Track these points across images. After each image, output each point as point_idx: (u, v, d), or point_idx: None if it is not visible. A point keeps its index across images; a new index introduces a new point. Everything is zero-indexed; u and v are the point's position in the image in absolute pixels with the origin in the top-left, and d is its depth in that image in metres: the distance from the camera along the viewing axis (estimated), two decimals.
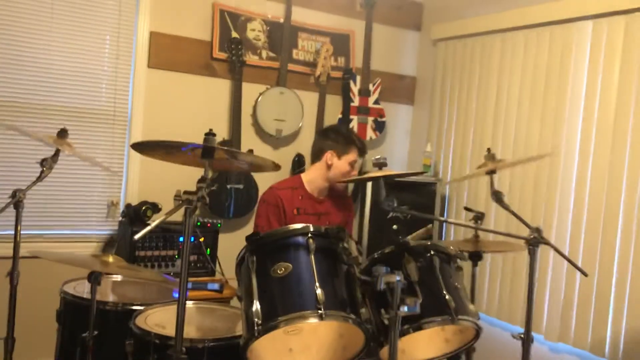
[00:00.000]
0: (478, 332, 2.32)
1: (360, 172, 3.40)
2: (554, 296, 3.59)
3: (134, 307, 2.56)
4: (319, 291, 2.05)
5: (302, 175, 3.33)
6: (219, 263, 3.70)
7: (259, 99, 4.09)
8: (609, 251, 3.33)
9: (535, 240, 2.24)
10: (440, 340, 2.39)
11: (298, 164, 4.22)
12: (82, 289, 2.75)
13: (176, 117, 3.92)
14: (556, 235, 3.59)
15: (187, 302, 2.53)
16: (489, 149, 2.59)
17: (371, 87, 4.47)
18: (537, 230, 2.26)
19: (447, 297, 2.22)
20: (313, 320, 2.03)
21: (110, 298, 2.80)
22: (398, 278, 1.98)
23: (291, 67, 4.24)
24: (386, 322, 2.03)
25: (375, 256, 2.33)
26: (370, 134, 4.49)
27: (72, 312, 2.70)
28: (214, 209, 3.88)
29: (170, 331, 2.25)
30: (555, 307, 3.58)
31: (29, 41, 3.51)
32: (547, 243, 2.28)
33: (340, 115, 4.43)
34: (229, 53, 3.96)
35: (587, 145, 3.48)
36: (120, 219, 3.74)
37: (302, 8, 4.29)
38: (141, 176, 3.82)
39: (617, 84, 3.34)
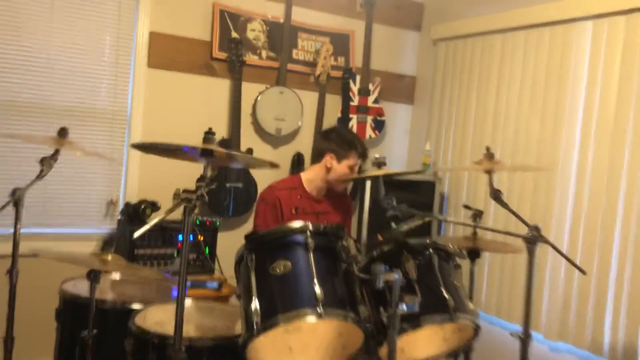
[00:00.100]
0: (477, 330, 2.32)
1: (360, 171, 3.40)
2: (553, 294, 3.59)
3: (133, 306, 2.57)
4: (318, 289, 2.06)
5: (302, 174, 3.33)
6: (218, 261, 3.70)
7: (258, 98, 4.09)
8: (607, 249, 3.33)
9: (534, 239, 2.25)
10: (439, 338, 2.39)
11: (297, 163, 4.22)
12: (82, 288, 2.75)
13: (176, 117, 3.92)
14: (555, 234, 3.59)
15: (186, 300, 2.53)
16: (487, 148, 2.59)
17: (371, 87, 4.48)
18: (536, 228, 2.26)
19: (445, 295, 2.22)
20: (312, 319, 2.04)
21: (110, 296, 2.80)
22: (397, 276, 1.98)
23: (291, 66, 4.25)
24: (385, 320, 2.03)
25: (374, 254, 2.33)
26: (369, 133, 4.49)
27: (71, 311, 2.71)
28: (213, 207, 3.89)
29: (170, 330, 2.24)
30: (554, 305, 3.58)
31: (29, 41, 3.51)
32: (546, 241, 2.29)
33: (339, 115, 4.43)
34: (228, 53, 3.96)
35: (587, 145, 3.48)
36: (119, 217, 3.74)
37: (302, 8, 4.29)
38: (140, 175, 3.82)
39: (617, 84, 3.34)
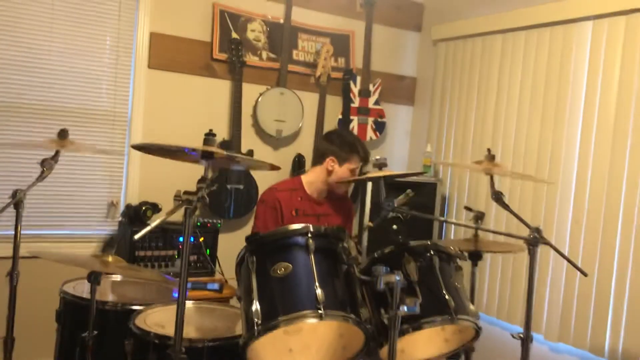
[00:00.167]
0: (478, 332, 2.32)
1: (361, 173, 3.40)
2: (554, 296, 3.59)
3: (134, 307, 2.56)
4: (318, 291, 2.06)
5: (302, 176, 3.33)
6: (219, 263, 3.70)
7: (259, 100, 4.09)
8: (608, 251, 3.33)
9: (535, 240, 2.24)
10: (440, 340, 2.39)
11: (298, 165, 4.22)
12: (82, 289, 2.75)
13: (176, 118, 3.92)
14: (556, 235, 3.59)
15: (187, 302, 2.53)
16: (488, 150, 2.59)
17: (371, 88, 4.48)
18: (537, 230, 2.25)
19: (446, 296, 2.22)
20: (313, 320, 2.04)
21: (110, 298, 2.80)
22: (398, 278, 1.99)
23: (291, 67, 4.24)
24: (386, 321, 2.03)
25: (375, 256, 2.33)
26: (370, 134, 4.49)
27: (71, 312, 2.70)
28: (214, 209, 3.89)
29: (170, 331, 2.24)
30: (555, 307, 3.58)
31: (29, 42, 3.51)
32: (547, 243, 2.28)
33: (340, 116, 4.43)
34: (229, 54, 3.96)
35: (587, 146, 3.48)
36: (120, 219, 3.74)
37: (302, 9, 4.29)
38: (141, 176, 3.82)
39: (617, 84, 3.35)
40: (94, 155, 3.72)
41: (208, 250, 3.67)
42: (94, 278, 2.29)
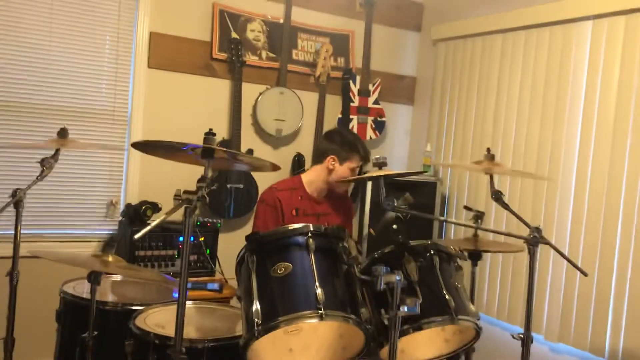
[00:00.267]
0: (478, 332, 2.32)
1: (360, 172, 3.40)
2: (554, 296, 3.59)
3: (134, 307, 2.56)
4: (319, 291, 2.06)
5: (302, 175, 3.33)
6: (219, 263, 3.70)
7: (258, 99, 4.09)
8: (608, 251, 3.33)
9: (535, 240, 2.24)
10: (440, 340, 2.39)
11: (298, 164, 4.22)
12: (82, 289, 2.75)
13: (176, 117, 3.92)
14: (556, 235, 3.59)
15: (187, 302, 2.52)
16: (488, 149, 2.59)
17: (371, 87, 4.47)
18: (537, 229, 2.25)
19: (447, 297, 2.22)
20: (313, 320, 2.04)
21: (110, 298, 2.80)
22: (398, 278, 1.99)
23: (291, 67, 4.24)
24: (386, 322, 2.03)
25: (375, 256, 2.33)
26: (370, 133, 4.49)
27: (71, 312, 2.70)
28: (214, 208, 3.88)
29: (170, 331, 2.24)
30: (555, 307, 3.58)
31: (29, 41, 3.51)
32: (547, 243, 2.28)
33: (340, 115, 4.43)
34: (228, 53, 3.96)
35: (587, 146, 3.48)
36: (120, 218, 3.74)
37: (302, 8, 4.29)
38: (141, 176, 3.82)
39: (617, 84, 3.35)
40: (94, 155, 3.72)
41: (208, 250, 3.67)
42: (94, 278, 2.28)
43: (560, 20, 3.66)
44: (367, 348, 2.20)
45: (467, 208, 2.85)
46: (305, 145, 4.33)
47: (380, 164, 2.45)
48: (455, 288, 2.30)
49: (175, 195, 1.98)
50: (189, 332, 2.37)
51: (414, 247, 2.32)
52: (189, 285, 2.01)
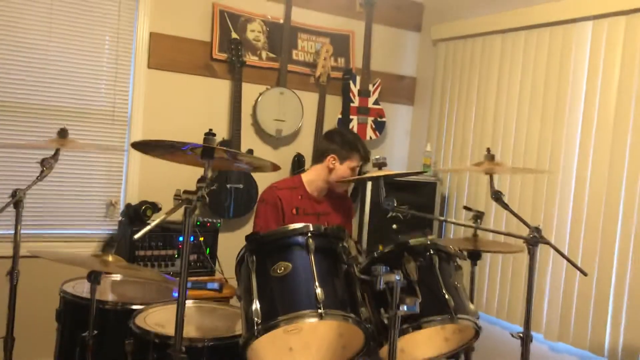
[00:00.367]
0: (477, 331, 2.32)
1: (360, 172, 3.40)
2: (554, 295, 3.59)
3: (134, 307, 2.56)
4: (318, 290, 2.06)
5: (303, 175, 3.34)
6: (219, 262, 3.70)
7: (258, 99, 4.09)
8: (608, 250, 3.33)
9: (535, 240, 2.24)
10: (440, 339, 2.39)
11: (298, 164, 4.23)
12: (82, 289, 2.75)
13: (176, 118, 3.92)
14: (556, 235, 3.59)
15: (187, 301, 2.53)
16: (488, 149, 2.60)
17: (371, 88, 4.48)
18: (537, 229, 2.25)
19: (446, 296, 2.22)
20: (313, 320, 2.04)
21: (110, 297, 2.80)
22: (397, 277, 1.99)
23: (291, 67, 4.25)
24: (386, 321, 2.03)
25: (375, 255, 2.33)
26: (370, 134, 4.49)
27: (71, 312, 2.70)
28: (214, 208, 3.89)
29: (170, 330, 2.24)
30: (554, 306, 3.58)
31: (28, 42, 3.51)
32: (547, 242, 2.28)
33: (340, 116, 4.43)
34: (228, 54, 3.96)
35: (587, 145, 3.48)
36: (119, 218, 3.74)
37: (302, 9, 4.29)
38: (141, 176, 3.82)
39: (617, 84, 3.35)
40: (94, 155, 3.72)
41: (208, 250, 3.67)
42: (94, 277, 2.28)
43: (560, 21, 3.66)
44: (367, 347, 2.19)
45: (466, 208, 2.86)
46: (305, 145, 4.33)
47: (380, 164, 2.45)
48: (454, 287, 2.30)
49: (175, 195, 1.98)
50: (189, 331, 2.37)
51: (414, 247, 2.32)
52: (189, 285, 2.01)
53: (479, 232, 2.76)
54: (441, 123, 4.51)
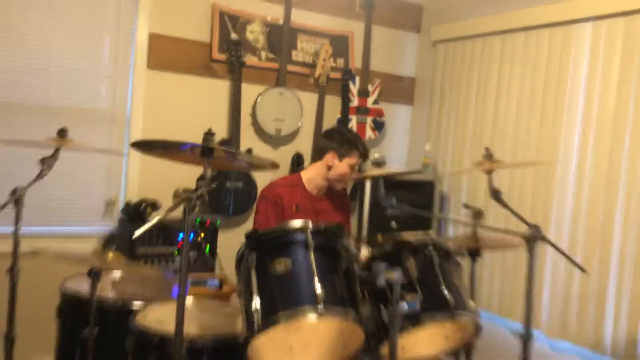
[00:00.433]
0: (478, 328, 2.33)
1: (359, 171, 3.41)
2: (554, 292, 3.59)
3: (134, 304, 2.57)
4: (318, 288, 2.06)
5: (302, 173, 3.35)
6: (219, 260, 3.70)
7: (258, 99, 4.10)
8: (607, 247, 3.33)
9: (534, 237, 2.25)
10: (440, 337, 2.39)
11: (297, 163, 4.23)
12: (82, 286, 2.75)
13: (176, 118, 3.92)
14: (555, 232, 3.60)
15: (187, 299, 2.53)
16: (487, 148, 2.60)
17: (370, 88, 4.49)
18: (536, 227, 2.26)
19: (446, 293, 2.23)
20: (313, 317, 2.04)
21: (110, 295, 2.79)
22: (397, 275, 1.99)
23: (290, 68, 4.25)
24: (386, 319, 2.03)
25: (375, 253, 2.34)
26: (369, 133, 4.50)
27: (72, 309, 2.71)
28: (214, 207, 3.89)
29: (170, 328, 2.24)
30: (554, 303, 3.59)
31: (28, 42, 3.51)
32: (546, 240, 2.29)
33: (339, 116, 4.44)
34: (228, 54, 3.97)
35: (586, 146, 3.49)
36: (120, 216, 3.74)
37: (302, 10, 4.30)
38: (141, 174, 3.82)
39: (616, 85, 3.36)
40: (93, 155, 3.72)
41: (208, 247, 3.67)
42: (94, 275, 2.29)
43: (559, 22, 3.67)
44: (367, 345, 2.20)
45: (466, 206, 2.86)
46: (304, 145, 4.34)
47: (380, 163, 2.46)
48: (454, 285, 2.30)
49: (175, 193, 1.98)
50: (189, 328, 2.37)
51: (414, 244, 2.32)
52: (189, 282, 2.02)
53: (478, 230, 2.77)
54: (440, 123, 4.52)
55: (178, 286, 1.98)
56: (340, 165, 3.22)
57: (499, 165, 2.64)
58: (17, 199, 2.43)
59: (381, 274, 2.00)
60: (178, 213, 2.00)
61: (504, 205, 2.48)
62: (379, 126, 4.54)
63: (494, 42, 4.10)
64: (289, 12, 4.21)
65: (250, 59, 4.10)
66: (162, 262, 3.54)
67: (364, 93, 4.45)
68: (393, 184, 3.77)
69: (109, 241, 3.45)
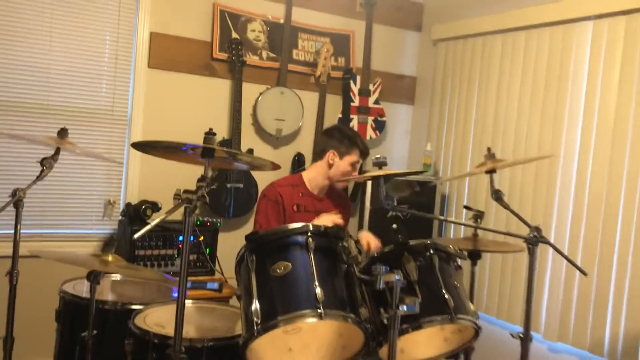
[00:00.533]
0: (477, 331, 2.32)
1: (360, 172, 3.41)
2: (553, 295, 3.59)
3: (133, 307, 2.56)
4: (318, 290, 2.05)
5: (303, 173, 3.35)
6: (219, 262, 3.70)
7: (259, 99, 4.09)
8: (608, 250, 3.33)
9: (535, 240, 2.24)
10: (440, 339, 2.39)
11: (298, 164, 4.23)
12: (82, 288, 2.75)
13: (176, 117, 3.92)
14: (555, 235, 3.59)
15: (187, 301, 2.53)
16: (489, 148, 2.60)
17: (371, 87, 4.48)
18: (537, 229, 2.25)
19: (446, 296, 2.22)
20: (312, 320, 2.04)
21: (110, 297, 2.80)
22: (397, 277, 1.99)
23: (291, 67, 4.24)
24: (385, 321, 2.03)
25: (375, 255, 2.33)
26: (370, 133, 4.49)
27: (71, 312, 2.70)
28: (214, 208, 3.89)
29: (170, 330, 2.25)
30: (554, 306, 3.58)
31: (29, 41, 3.51)
32: (547, 242, 2.28)
33: (340, 115, 4.43)
34: (229, 53, 3.96)
35: (587, 146, 3.48)
36: (119, 218, 3.74)
37: (303, 8, 4.29)
38: (141, 175, 3.82)
39: (618, 84, 3.34)
40: (93, 155, 3.72)
41: (208, 250, 3.67)
42: (93, 277, 2.29)
43: (560, 21, 3.65)
44: (367, 347, 2.19)
45: (467, 208, 2.86)
46: (305, 145, 4.33)
47: (380, 164, 2.45)
48: (454, 287, 2.30)
49: (175, 194, 1.98)
50: (189, 331, 2.37)
51: (414, 247, 2.32)
52: (189, 285, 2.01)
53: (478, 231, 2.76)
54: (441, 122, 4.51)
55: (177, 289, 1.98)
56: (341, 164, 3.22)
57: (501, 165, 2.63)
58: (17, 200, 2.42)
59: (381, 276, 1.99)
60: (178, 215, 1.99)
61: (505, 206, 2.47)
62: (380, 126, 4.53)
63: (495, 41, 4.09)
64: (290, 10, 4.20)
65: (251, 58, 4.09)
66: (162, 264, 3.54)
67: (365, 92, 4.44)
68: (394, 184, 3.76)
69: (108, 243, 3.45)
